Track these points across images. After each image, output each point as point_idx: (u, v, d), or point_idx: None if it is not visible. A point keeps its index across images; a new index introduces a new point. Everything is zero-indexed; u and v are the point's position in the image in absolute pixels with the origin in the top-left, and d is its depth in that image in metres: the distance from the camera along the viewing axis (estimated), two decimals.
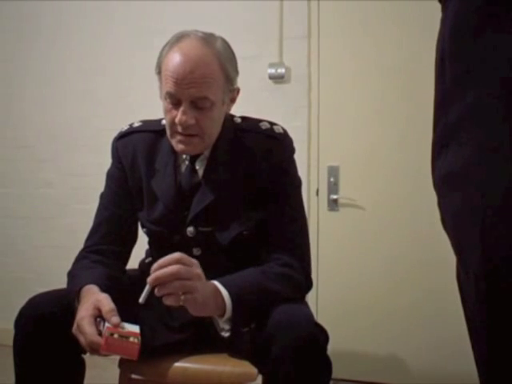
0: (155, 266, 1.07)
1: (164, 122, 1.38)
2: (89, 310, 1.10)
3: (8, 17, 3.09)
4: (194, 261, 1.10)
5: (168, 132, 1.29)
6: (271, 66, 2.57)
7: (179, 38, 1.26)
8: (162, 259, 1.07)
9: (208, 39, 1.26)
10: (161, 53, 1.29)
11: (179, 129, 1.24)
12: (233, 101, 1.34)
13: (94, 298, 1.13)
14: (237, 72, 1.31)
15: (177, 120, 1.23)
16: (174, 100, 1.23)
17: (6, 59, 3.09)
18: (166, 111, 1.26)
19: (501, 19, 0.66)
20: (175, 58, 1.22)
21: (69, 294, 1.22)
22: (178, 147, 1.27)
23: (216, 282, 1.15)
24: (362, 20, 2.48)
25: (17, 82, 3.07)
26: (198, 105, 1.23)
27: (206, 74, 1.22)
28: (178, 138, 1.26)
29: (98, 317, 1.10)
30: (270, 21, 2.58)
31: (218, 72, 1.24)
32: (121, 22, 2.85)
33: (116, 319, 1.07)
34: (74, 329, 1.11)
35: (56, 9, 2.98)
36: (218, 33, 1.32)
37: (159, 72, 1.29)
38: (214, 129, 1.29)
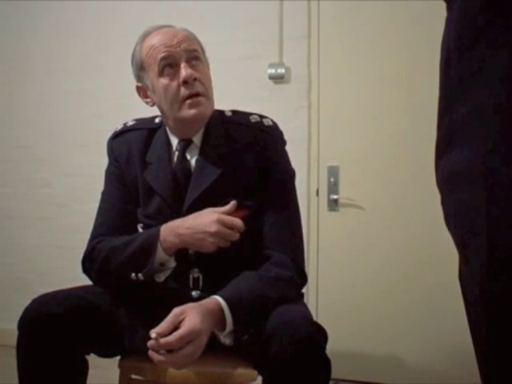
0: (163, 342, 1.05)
1: (158, 119, 1.40)
2: (211, 210, 1.24)
3: (8, 17, 3.09)
4: (197, 326, 1.07)
5: (175, 106, 1.30)
6: (271, 66, 2.57)
7: (146, 32, 1.35)
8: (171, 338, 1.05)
9: None
10: (135, 50, 1.35)
11: (186, 92, 1.27)
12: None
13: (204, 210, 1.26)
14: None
15: (182, 77, 1.27)
16: (171, 63, 1.28)
17: (6, 59, 3.09)
18: (167, 86, 1.29)
19: (501, 21, 0.66)
20: (156, 36, 1.32)
21: (137, 251, 1.26)
22: (191, 113, 1.29)
23: (219, 299, 1.14)
24: (361, 20, 2.48)
25: (16, 82, 3.07)
26: (192, 60, 1.30)
27: (188, 35, 1.34)
28: (188, 102, 1.29)
29: None
30: (270, 21, 2.58)
31: (195, 37, 1.36)
32: (121, 21, 2.85)
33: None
34: (217, 220, 1.21)
35: (56, 9, 2.98)
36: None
37: (142, 67, 1.33)
38: (211, 89, 1.35)
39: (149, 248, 1.25)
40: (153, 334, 1.05)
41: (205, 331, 1.08)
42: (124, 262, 1.27)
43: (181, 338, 1.05)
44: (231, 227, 1.22)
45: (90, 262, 1.33)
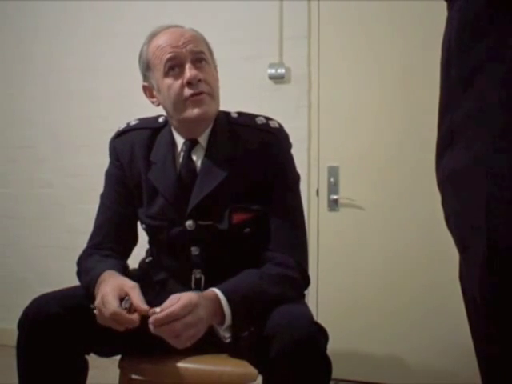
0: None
1: (161, 119, 1.40)
2: (114, 289, 1.13)
3: (8, 16, 3.09)
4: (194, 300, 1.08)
5: (179, 107, 1.29)
6: (271, 66, 2.57)
7: (154, 32, 1.35)
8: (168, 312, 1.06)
9: None
10: (142, 49, 1.35)
11: (189, 92, 1.26)
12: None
13: (121, 281, 1.17)
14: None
15: (186, 78, 1.26)
16: (177, 64, 1.27)
17: (8, 59, 3.10)
18: (171, 86, 1.28)
19: (502, 20, 0.66)
20: (163, 36, 1.31)
21: (85, 287, 1.24)
22: (194, 112, 1.27)
23: (216, 290, 1.15)
24: (361, 20, 2.48)
25: (17, 82, 3.07)
26: (197, 62, 1.29)
27: (195, 35, 1.33)
28: (191, 101, 1.27)
29: (121, 297, 1.13)
30: (270, 21, 2.58)
31: (202, 38, 1.36)
32: (121, 21, 2.85)
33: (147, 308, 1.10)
34: (98, 302, 1.13)
35: (56, 8, 2.98)
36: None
37: (148, 67, 1.33)
38: (217, 89, 1.33)
39: (90, 290, 1.22)
40: (157, 309, 1.06)
41: (202, 306, 1.09)
42: (83, 287, 1.28)
43: (183, 307, 1.06)
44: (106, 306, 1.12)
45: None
